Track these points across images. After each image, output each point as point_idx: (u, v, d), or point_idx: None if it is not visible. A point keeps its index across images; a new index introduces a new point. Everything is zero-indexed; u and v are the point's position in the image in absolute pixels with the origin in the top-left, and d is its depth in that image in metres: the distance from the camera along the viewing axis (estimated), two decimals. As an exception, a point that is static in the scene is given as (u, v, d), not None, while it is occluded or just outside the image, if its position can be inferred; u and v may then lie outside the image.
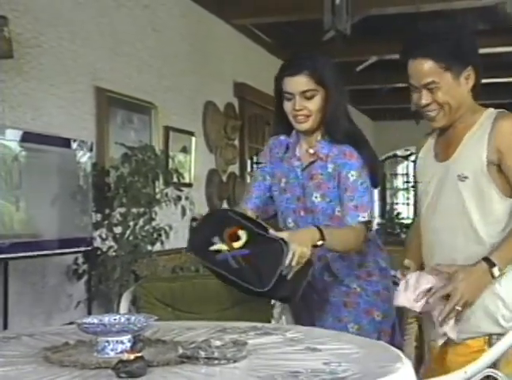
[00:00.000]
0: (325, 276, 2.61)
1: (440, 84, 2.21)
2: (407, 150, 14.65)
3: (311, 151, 2.58)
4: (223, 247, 2.26)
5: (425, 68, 2.20)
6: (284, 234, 2.27)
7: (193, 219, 2.46)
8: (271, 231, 2.26)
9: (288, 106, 2.53)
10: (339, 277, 2.60)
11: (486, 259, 2.15)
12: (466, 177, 2.21)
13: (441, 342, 2.25)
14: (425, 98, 2.23)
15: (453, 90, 2.22)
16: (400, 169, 16.61)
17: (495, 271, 2.14)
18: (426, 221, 2.39)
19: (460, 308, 2.15)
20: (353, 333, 2.49)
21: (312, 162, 2.58)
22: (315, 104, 2.51)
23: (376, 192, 9.57)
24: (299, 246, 2.20)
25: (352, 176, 2.50)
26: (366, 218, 2.50)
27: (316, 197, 2.55)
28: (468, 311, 2.18)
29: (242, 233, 2.27)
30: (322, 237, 2.32)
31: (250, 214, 2.61)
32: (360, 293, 2.60)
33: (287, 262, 2.19)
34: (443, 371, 2.17)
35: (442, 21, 2.32)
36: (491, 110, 2.28)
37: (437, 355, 2.34)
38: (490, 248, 2.20)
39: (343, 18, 4.80)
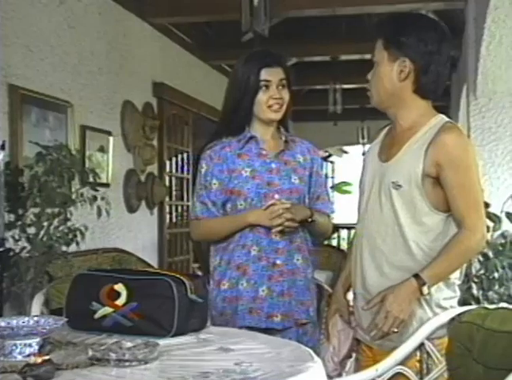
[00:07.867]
0: (295, 259, 2.67)
1: (377, 60, 2.31)
2: (326, 151, 14.84)
3: (283, 138, 2.78)
4: (107, 310, 2.06)
5: (376, 45, 2.33)
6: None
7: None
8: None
9: (264, 95, 2.70)
10: (308, 261, 2.71)
11: (416, 276, 2.16)
12: (400, 186, 2.22)
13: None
14: (369, 73, 2.35)
15: (384, 70, 2.28)
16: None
17: (424, 289, 2.16)
18: (360, 223, 2.39)
19: (396, 330, 2.17)
20: (313, 317, 2.72)
21: (282, 150, 2.75)
22: (287, 95, 2.75)
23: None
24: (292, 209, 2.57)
25: (324, 173, 2.79)
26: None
27: (295, 179, 2.71)
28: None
29: (119, 288, 2.07)
30: (312, 216, 2.63)
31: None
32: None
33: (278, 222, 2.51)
34: None
35: (416, 16, 2.46)
36: (440, 118, 2.29)
37: (367, 358, 2.38)
38: (418, 258, 2.21)
39: (261, 20, 4.81)
